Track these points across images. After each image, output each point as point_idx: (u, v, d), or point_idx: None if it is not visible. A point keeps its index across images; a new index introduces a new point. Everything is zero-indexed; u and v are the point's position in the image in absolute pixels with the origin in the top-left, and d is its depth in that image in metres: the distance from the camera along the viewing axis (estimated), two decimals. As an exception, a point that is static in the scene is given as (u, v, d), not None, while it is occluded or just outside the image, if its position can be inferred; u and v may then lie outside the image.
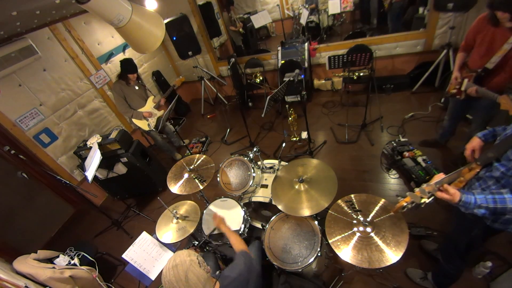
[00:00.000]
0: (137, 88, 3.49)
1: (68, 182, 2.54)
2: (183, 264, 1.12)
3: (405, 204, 1.18)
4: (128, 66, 3.30)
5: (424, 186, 1.16)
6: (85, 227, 3.51)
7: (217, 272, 1.38)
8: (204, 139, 4.33)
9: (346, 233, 1.49)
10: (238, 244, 1.59)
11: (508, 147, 1.16)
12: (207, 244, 2.19)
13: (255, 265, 1.45)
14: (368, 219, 1.51)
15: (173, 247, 1.99)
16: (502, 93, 1.86)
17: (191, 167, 2.28)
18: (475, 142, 1.43)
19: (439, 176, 1.20)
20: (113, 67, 4.24)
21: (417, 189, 1.16)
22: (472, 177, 1.28)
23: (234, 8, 6.09)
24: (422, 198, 1.15)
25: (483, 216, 1.15)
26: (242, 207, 2.08)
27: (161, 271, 1.83)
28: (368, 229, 1.46)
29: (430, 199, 1.15)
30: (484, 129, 2.34)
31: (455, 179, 1.25)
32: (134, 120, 3.46)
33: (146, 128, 3.51)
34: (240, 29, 5.81)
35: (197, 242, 2.14)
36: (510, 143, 1.17)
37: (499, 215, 1.16)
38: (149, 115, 3.50)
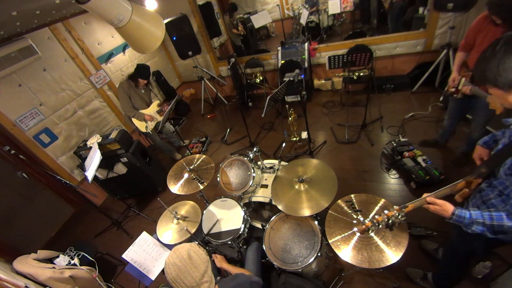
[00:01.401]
0: (143, 91, 3.53)
1: (68, 182, 2.54)
2: (184, 246, 1.18)
3: (366, 228, 1.29)
4: (142, 71, 3.35)
5: (385, 211, 1.22)
6: (85, 227, 3.51)
7: (218, 278, 1.38)
8: (204, 139, 4.33)
9: (346, 233, 1.49)
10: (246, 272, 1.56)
11: (499, 163, 1.12)
12: (207, 244, 2.19)
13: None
14: (368, 219, 1.51)
15: (173, 247, 1.98)
16: None
17: (191, 167, 2.28)
18: (480, 151, 1.40)
19: (424, 196, 1.21)
20: (113, 67, 4.25)
21: (386, 212, 1.23)
22: (475, 189, 1.26)
23: (237, 12, 6.10)
24: (385, 221, 1.21)
25: (482, 232, 1.11)
26: (242, 207, 2.08)
27: (162, 269, 1.84)
28: (368, 229, 1.46)
29: (401, 220, 1.20)
30: (483, 129, 2.35)
31: (446, 194, 1.24)
32: (134, 120, 3.47)
33: (143, 130, 3.53)
34: (242, 32, 5.82)
35: (197, 242, 2.14)
36: (500, 158, 1.13)
37: (499, 234, 1.11)
38: (150, 118, 3.51)
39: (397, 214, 1.20)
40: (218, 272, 1.91)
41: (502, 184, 1.12)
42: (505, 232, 1.08)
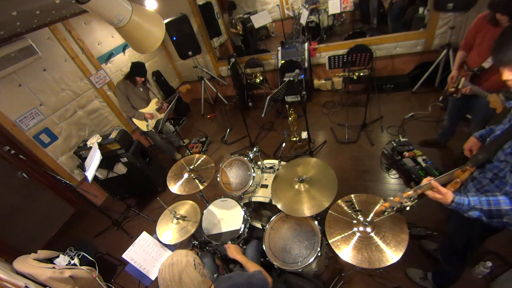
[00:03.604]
0: (141, 90, 3.52)
1: (68, 182, 2.54)
2: (179, 264, 1.13)
3: (384, 209, 1.21)
4: (139, 69, 3.34)
5: (399, 193, 1.19)
6: (85, 227, 3.50)
7: (215, 275, 1.37)
8: (204, 139, 4.32)
9: (346, 233, 1.49)
10: (254, 268, 1.52)
11: (498, 148, 1.15)
12: (207, 244, 2.19)
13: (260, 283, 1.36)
14: (368, 219, 1.51)
15: (173, 247, 1.99)
16: (496, 92, 1.88)
17: (191, 167, 2.28)
18: (472, 142, 1.43)
19: (427, 180, 1.21)
20: (113, 67, 4.25)
21: (397, 194, 1.19)
22: (467, 178, 1.28)
23: (236, 11, 6.10)
24: (402, 203, 1.17)
25: (479, 217, 1.14)
26: (242, 207, 2.08)
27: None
28: (368, 229, 1.46)
29: (414, 203, 1.17)
30: (483, 129, 2.35)
31: (447, 181, 1.24)
32: (134, 120, 3.47)
33: (145, 129, 3.53)
34: (241, 32, 5.82)
35: (197, 242, 2.14)
36: (499, 143, 1.15)
37: (496, 218, 1.14)
38: (150, 116, 3.52)
39: (412, 195, 1.17)
40: (215, 266, 1.91)
41: (497, 168, 1.15)
42: (502, 215, 1.10)
